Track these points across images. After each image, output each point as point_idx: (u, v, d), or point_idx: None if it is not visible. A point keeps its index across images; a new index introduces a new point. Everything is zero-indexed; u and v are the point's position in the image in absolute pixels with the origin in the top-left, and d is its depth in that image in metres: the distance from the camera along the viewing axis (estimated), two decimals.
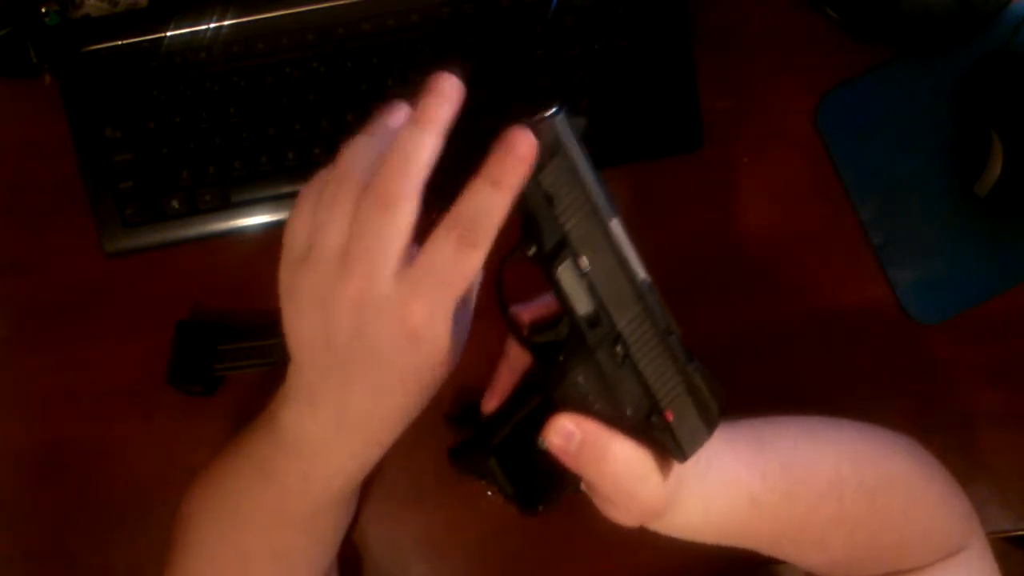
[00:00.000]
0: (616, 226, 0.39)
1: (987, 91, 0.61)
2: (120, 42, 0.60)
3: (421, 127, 0.38)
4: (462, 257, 0.37)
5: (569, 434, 0.40)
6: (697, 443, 0.40)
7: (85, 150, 0.60)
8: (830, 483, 0.49)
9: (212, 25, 0.59)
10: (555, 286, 0.39)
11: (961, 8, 0.59)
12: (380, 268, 0.37)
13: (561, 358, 0.40)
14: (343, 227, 0.38)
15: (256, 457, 0.46)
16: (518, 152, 0.37)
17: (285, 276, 0.40)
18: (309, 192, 0.40)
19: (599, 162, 0.63)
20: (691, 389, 0.40)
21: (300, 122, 0.60)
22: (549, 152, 0.37)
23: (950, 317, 0.63)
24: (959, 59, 0.62)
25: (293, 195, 0.60)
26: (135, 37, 0.60)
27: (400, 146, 0.38)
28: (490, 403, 0.46)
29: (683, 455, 0.40)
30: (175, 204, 0.60)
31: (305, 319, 0.40)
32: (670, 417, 0.39)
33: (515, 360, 0.46)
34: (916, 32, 0.61)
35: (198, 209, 0.60)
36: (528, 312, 0.45)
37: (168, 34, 0.60)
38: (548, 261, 0.39)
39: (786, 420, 0.52)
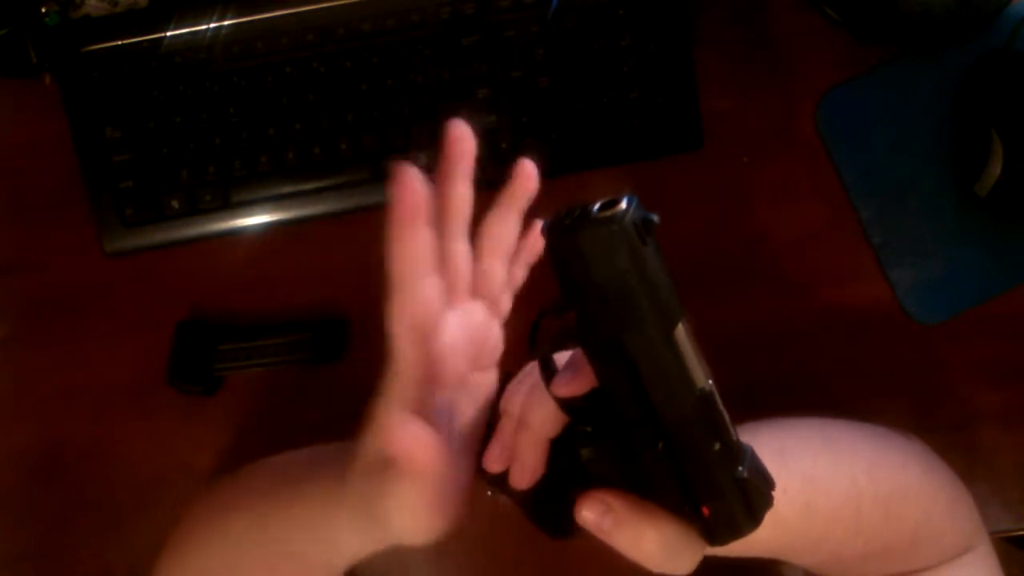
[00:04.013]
0: (681, 332, 0.33)
1: (987, 91, 0.61)
2: (120, 42, 0.60)
3: None
4: None
5: (603, 512, 0.37)
6: (732, 535, 0.36)
7: (85, 150, 0.60)
8: (847, 495, 0.48)
9: (212, 25, 0.59)
10: (601, 382, 0.35)
11: (961, 8, 0.59)
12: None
13: (593, 431, 0.37)
14: None
15: (302, 506, 0.46)
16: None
17: None
18: None
19: (600, 162, 0.62)
20: (733, 492, 0.36)
21: (300, 122, 0.60)
22: (616, 255, 0.31)
23: (950, 317, 0.63)
24: (959, 59, 0.62)
25: (293, 195, 0.60)
26: (135, 37, 0.60)
27: None
28: (523, 480, 0.41)
29: (714, 541, 0.37)
30: (175, 204, 0.60)
31: None
32: (706, 512, 0.36)
33: (541, 429, 0.40)
34: (916, 32, 0.61)
35: (198, 209, 0.60)
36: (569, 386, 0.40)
37: (168, 34, 0.60)
38: (597, 360, 0.35)
39: (805, 426, 0.51)
